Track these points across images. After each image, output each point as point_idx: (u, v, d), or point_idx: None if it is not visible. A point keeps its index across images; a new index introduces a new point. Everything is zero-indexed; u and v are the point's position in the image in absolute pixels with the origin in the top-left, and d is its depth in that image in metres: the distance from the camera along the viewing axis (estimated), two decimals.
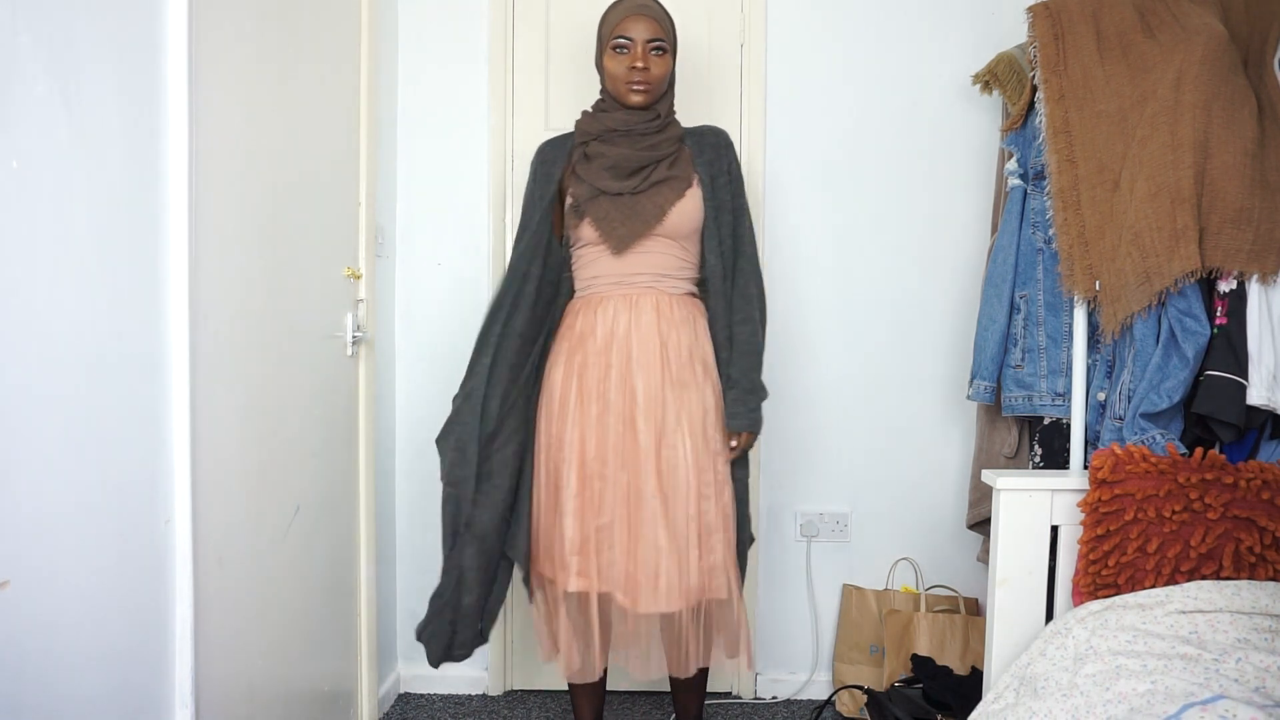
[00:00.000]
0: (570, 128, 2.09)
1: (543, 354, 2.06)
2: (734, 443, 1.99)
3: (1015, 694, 1.58)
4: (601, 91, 2.05)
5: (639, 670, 2.07)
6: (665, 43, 1.97)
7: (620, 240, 1.96)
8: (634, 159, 1.97)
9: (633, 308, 1.97)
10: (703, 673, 2.11)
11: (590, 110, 2.06)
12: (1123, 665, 1.44)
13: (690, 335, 1.99)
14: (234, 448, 1.69)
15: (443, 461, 1.99)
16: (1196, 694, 1.31)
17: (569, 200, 2.02)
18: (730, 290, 2.02)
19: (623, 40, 1.95)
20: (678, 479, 1.91)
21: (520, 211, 2.10)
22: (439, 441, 2.00)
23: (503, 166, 2.60)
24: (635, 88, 1.95)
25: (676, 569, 1.88)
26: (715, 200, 2.01)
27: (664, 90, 2.01)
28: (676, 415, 1.93)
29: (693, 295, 2.07)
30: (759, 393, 1.99)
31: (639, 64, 1.94)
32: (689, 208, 1.99)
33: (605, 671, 2.11)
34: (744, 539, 2.04)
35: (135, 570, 1.42)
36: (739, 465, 2.02)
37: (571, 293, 2.09)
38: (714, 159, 2.03)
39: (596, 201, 1.98)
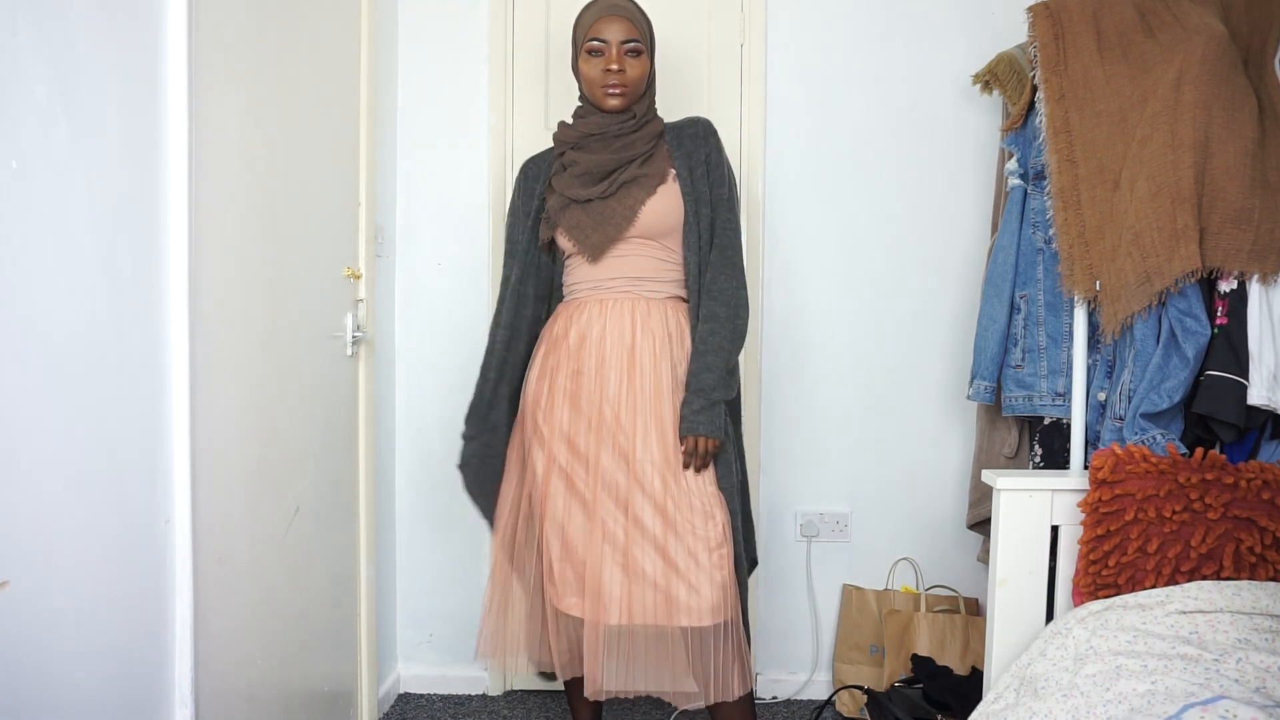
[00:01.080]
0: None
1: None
2: (683, 447, 1.85)
3: (1015, 694, 1.58)
4: (580, 97, 2.00)
5: (610, 684, 1.88)
6: (641, 43, 1.90)
7: (595, 247, 1.91)
8: (606, 163, 1.91)
9: (606, 314, 1.91)
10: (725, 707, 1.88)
11: (568, 119, 2.00)
12: (1123, 665, 1.44)
13: (665, 341, 1.91)
14: (234, 448, 1.69)
15: (487, 501, 2.06)
16: (1197, 694, 1.31)
17: (545, 214, 1.99)
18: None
19: (597, 42, 1.89)
20: (642, 490, 1.84)
21: (506, 226, 2.08)
22: (474, 475, 2.05)
23: (503, 166, 2.59)
24: (611, 91, 1.89)
25: (627, 581, 1.81)
26: (694, 193, 1.92)
27: (642, 91, 1.95)
28: (645, 424, 1.87)
29: (679, 299, 1.98)
30: (708, 394, 1.83)
31: (614, 66, 1.87)
32: (663, 205, 1.91)
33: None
34: (740, 559, 1.88)
35: (135, 569, 1.42)
36: (725, 477, 1.89)
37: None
38: (692, 150, 1.94)
39: (568, 211, 1.93)
